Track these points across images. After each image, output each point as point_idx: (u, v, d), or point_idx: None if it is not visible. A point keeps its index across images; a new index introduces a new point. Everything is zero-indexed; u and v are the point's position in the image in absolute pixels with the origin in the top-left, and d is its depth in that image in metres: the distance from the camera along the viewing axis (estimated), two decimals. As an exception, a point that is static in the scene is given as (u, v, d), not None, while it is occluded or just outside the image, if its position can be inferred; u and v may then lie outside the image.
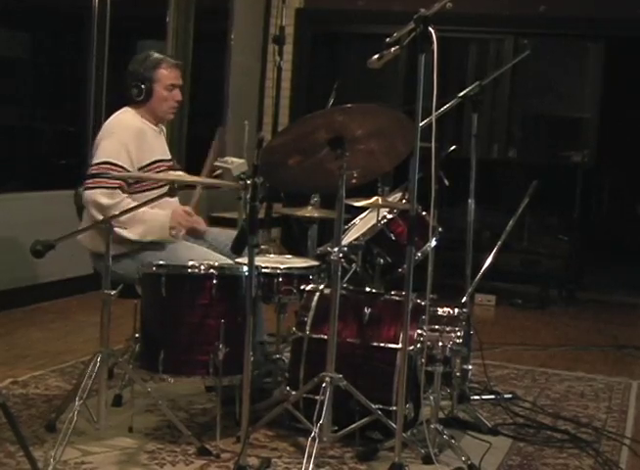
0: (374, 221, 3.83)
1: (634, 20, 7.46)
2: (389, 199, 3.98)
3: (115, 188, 3.73)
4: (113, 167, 3.75)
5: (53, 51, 6.52)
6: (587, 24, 7.66)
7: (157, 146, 3.99)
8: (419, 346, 3.41)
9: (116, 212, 3.51)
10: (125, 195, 3.75)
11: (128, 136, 3.83)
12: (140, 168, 3.84)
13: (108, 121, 3.95)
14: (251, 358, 3.08)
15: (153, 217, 3.78)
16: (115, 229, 3.57)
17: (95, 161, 3.81)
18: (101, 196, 3.72)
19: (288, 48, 7.44)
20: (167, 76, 3.96)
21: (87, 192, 3.76)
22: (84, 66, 6.25)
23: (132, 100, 3.96)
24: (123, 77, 4.00)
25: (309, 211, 3.97)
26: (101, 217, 3.62)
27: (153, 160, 3.90)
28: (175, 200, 3.90)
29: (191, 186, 3.95)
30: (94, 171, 3.77)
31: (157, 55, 4.02)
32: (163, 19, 7.06)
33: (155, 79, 3.93)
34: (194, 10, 7.25)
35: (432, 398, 3.37)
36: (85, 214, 3.91)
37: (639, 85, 9.12)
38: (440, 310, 3.59)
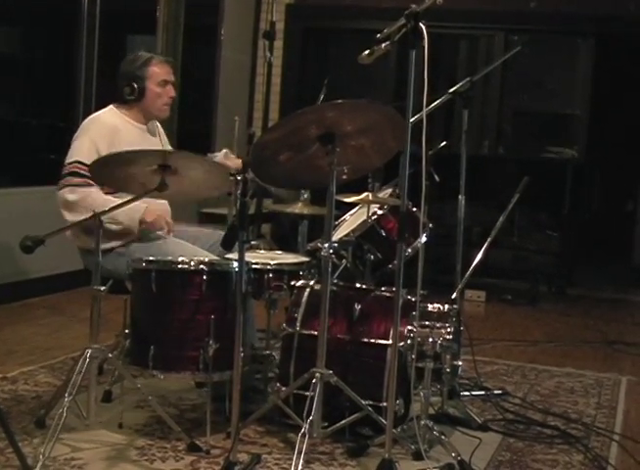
0: (364, 217, 3.83)
1: (624, 16, 7.48)
2: (380, 195, 3.98)
3: (82, 186, 3.73)
4: (82, 167, 3.73)
5: (42, 46, 6.49)
6: (577, 21, 7.69)
7: (136, 144, 3.94)
8: (409, 342, 3.41)
9: (86, 204, 3.57)
10: (93, 188, 3.72)
11: (99, 135, 3.82)
12: None
13: (85, 120, 3.96)
14: (242, 354, 3.08)
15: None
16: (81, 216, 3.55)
17: (67, 160, 3.82)
18: (68, 193, 3.73)
19: (278, 43, 7.45)
20: (159, 73, 3.96)
21: (58, 193, 3.78)
22: (74, 61, 6.23)
23: (123, 99, 3.95)
24: (114, 76, 3.99)
25: (299, 208, 3.96)
26: (70, 217, 3.67)
27: None
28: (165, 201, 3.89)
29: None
30: (65, 171, 3.78)
31: (146, 53, 4.01)
32: (154, 13, 7.04)
33: (146, 77, 3.93)
34: (184, 5, 7.23)
35: (422, 394, 3.37)
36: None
37: (629, 82, 9.14)
38: (431, 306, 3.58)
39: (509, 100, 8.26)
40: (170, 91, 4.00)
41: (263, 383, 3.83)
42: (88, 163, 3.69)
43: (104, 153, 3.75)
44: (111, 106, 3.98)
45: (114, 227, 3.74)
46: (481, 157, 7.93)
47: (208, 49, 7.84)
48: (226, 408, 3.47)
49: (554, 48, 8.27)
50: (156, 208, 3.83)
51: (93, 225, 3.29)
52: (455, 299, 3.86)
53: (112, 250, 3.77)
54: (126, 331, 3.64)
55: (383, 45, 3.00)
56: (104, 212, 3.34)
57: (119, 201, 3.48)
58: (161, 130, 4.19)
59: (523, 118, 8.52)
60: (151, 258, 3.45)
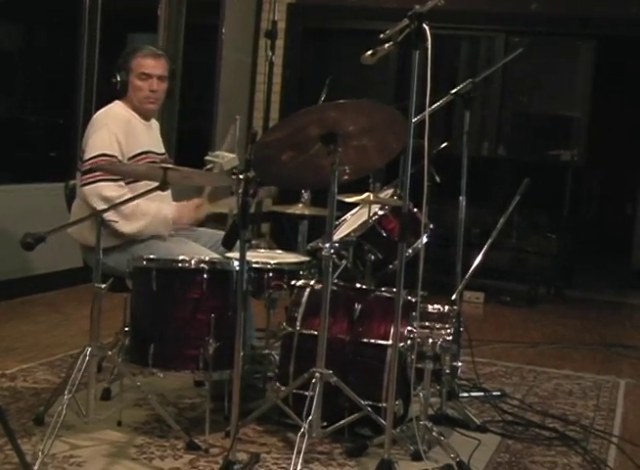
0: (365, 217, 3.83)
1: (625, 19, 7.49)
2: (381, 195, 3.98)
3: (118, 180, 3.74)
4: (108, 159, 3.74)
5: (44, 43, 6.49)
6: (578, 23, 7.69)
7: (146, 138, 3.97)
8: (409, 342, 3.41)
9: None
10: (127, 188, 3.75)
11: (117, 126, 3.83)
12: (129, 159, 3.82)
13: (96, 114, 3.95)
14: (241, 353, 3.08)
15: (157, 211, 3.79)
16: (111, 224, 3.58)
17: (89, 155, 3.78)
18: (106, 189, 3.71)
19: (279, 43, 7.44)
20: (140, 65, 3.89)
21: (89, 187, 3.74)
22: (75, 58, 6.23)
23: (118, 93, 3.96)
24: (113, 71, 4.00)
25: (300, 209, 3.96)
26: (112, 216, 3.65)
27: (141, 151, 3.88)
28: (167, 193, 3.88)
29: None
30: (91, 166, 3.75)
31: (139, 46, 3.99)
32: (155, 12, 7.04)
33: (130, 69, 3.90)
34: (185, 3, 7.24)
35: (421, 394, 3.37)
36: (75, 207, 3.90)
37: (629, 84, 9.15)
38: (431, 307, 3.59)
39: (509, 101, 8.26)
40: (152, 84, 3.90)
41: (262, 382, 3.83)
42: (111, 153, 3.75)
43: (123, 143, 3.80)
44: (116, 101, 3.97)
45: (144, 234, 3.79)
46: (481, 158, 7.93)
47: (210, 48, 7.84)
48: (225, 407, 3.48)
49: (554, 50, 8.27)
50: (181, 203, 3.96)
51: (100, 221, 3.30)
52: (455, 300, 3.86)
53: (114, 247, 3.77)
54: (126, 329, 3.64)
55: (386, 45, 3.00)
56: (113, 206, 3.40)
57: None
58: (157, 125, 4.20)
59: (522, 120, 8.53)
60: (151, 257, 3.45)
